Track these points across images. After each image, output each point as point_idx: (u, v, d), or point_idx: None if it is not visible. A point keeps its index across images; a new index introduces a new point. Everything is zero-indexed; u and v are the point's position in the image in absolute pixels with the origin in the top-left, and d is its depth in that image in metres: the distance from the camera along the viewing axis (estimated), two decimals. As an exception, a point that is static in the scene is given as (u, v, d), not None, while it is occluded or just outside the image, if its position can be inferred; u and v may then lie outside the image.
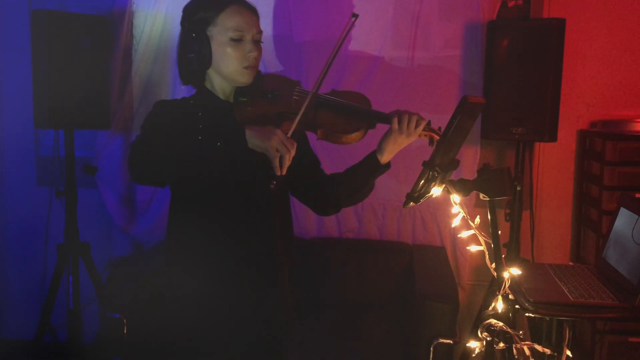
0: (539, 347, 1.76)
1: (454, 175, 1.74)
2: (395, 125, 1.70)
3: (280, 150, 1.51)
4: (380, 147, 1.75)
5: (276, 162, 1.51)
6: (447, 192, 1.69)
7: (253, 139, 1.52)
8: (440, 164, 1.60)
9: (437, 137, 1.72)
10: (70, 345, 2.99)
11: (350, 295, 3.14)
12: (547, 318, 1.97)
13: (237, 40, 1.67)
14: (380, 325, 2.91)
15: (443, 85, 3.19)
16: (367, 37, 3.19)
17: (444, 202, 1.77)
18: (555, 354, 1.90)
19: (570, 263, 2.53)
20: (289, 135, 1.56)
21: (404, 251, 3.21)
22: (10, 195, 3.60)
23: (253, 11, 1.73)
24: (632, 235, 1.97)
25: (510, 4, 3.17)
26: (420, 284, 2.82)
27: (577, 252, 3.22)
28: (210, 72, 1.73)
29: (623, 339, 2.81)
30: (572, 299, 1.85)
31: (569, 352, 1.91)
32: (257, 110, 1.71)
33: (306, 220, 3.36)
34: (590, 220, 3.06)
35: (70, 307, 2.95)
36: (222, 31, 1.67)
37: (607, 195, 2.83)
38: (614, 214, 2.16)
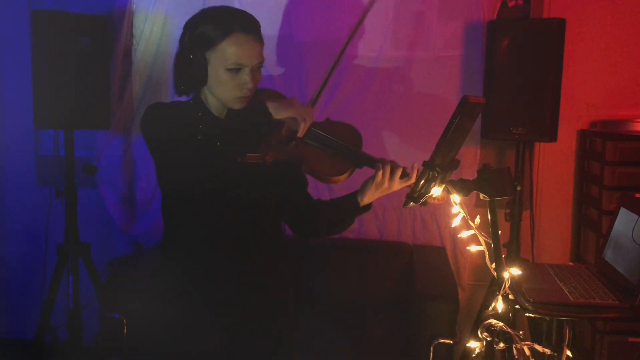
0: (539, 347, 1.76)
1: (454, 175, 1.74)
2: (379, 177, 1.72)
3: (303, 114, 1.63)
4: (362, 190, 1.78)
5: (302, 125, 1.63)
6: (447, 192, 1.69)
7: (280, 109, 1.62)
8: (440, 164, 1.60)
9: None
10: (70, 345, 2.99)
11: (350, 295, 3.14)
12: (547, 318, 1.97)
13: (235, 70, 1.63)
14: (380, 325, 2.91)
15: (443, 86, 3.19)
16: (367, 37, 3.19)
17: (444, 202, 1.77)
18: (555, 354, 1.90)
19: (570, 263, 2.53)
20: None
21: (404, 251, 3.21)
22: (10, 195, 3.60)
23: (257, 39, 1.66)
24: (632, 235, 1.97)
25: (510, 4, 3.17)
26: (420, 284, 2.82)
27: (577, 252, 3.22)
28: (205, 89, 1.70)
29: (623, 339, 2.81)
30: (572, 299, 1.84)
31: (569, 352, 1.91)
32: (244, 135, 1.66)
33: (306, 220, 3.36)
34: (590, 220, 3.06)
35: (70, 307, 2.95)
36: (221, 58, 1.62)
37: (607, 195, 2.83)
38: (614, 214, 2.16)
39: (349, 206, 1.80)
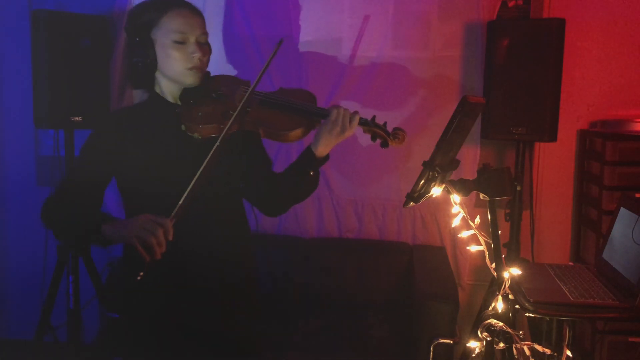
0: (539, 347, 1.76)
1: (454, 175, 1.74)
2: (332, 117, 1.70)
3: (140, 235, 1.47)
4: (315, 139, 1.75)
5: (139, 249, 1.47)
6: (447, 192, 1.69)
7: (111, 235, 1.56)
8: (440, 164, 1.60)
9: (380, 133, 1.76)
10: (70, 345, 2.99)
11: (350, 295, 3.14)
12: (547, 318, 1.97)
13: (180, 43, 1.69)
14: (380, 325, 2.91)
15: (443, 86, 3.19)
16: (367, 37, 3.20)
17: (444, 202, 1.77)
18: (555, 354, 1.90)
19: (570, 263, 2.53)
20: (223, 131, 1.58)
21: (404, 251, 3.21)
22: (10, 195, 3.59)
23: (197, 13, 1.74)
24: (632, 235, 1.97)
25: (510, 4, 3.17)
26: (420, 284, 2.82)
27: (577, 252, 3.22)
28: (158, 75, 1.75)
29: (623, 339, 2.81)
30: (572, 299, 1.85)
31: (569, 352, 1.91)
32: (202, 110, 1.71)
33: (306, 220, 3.36)
34: (590, 220, 3.06)
35: (70, 307, 2.95)
36: (165, 34, 1.68)
37: (607, 195, 2.83)
38: (614, 214, 2.16)
39: (305, 160, 1.75)
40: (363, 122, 1.76)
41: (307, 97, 1.82)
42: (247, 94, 1.65)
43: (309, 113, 1.76)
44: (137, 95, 3.36)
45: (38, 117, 2.79)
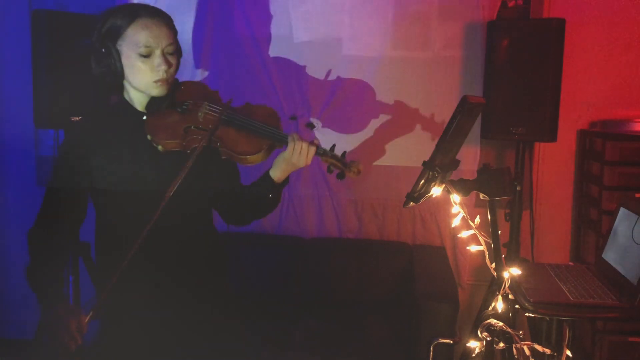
0: (539, 347, 1.76)
1: (454, 175, 1.74)
2: (290, 150, 1.71)
3: (57, 339, 1.62)
4: (274, 166, 1.77)
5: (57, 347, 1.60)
6: (447, 192, 1.69)
7: (42, 315, 1.62)
8: (440, 164, 1.60)
9: (337, 164, 1.73)
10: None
11: (350, 295, 3.14)
12: (547, 318, 1.97)
13: (145, 56, 1.67)
14: (380, 325, 2.91)
15: (443, 86, 3.19)
16: (367, 37, 3.20)
17: (444, 202, 1.77)
18: (555, 354, 1.90)
19: (570, 263, 2.53)
20: (193, 156, 1.65)
21: (404, 251, 3.21)
22: (10, 195, 3.59)
23: (163, 22, 1.71)
24: (632, 235, 1.97)
25: (510, 4, 3.17)
26: (420, 284, 2.82)
27: (577, 252, 3.22)
28: (126, 83, 1.75)
29: (623, 339, 2.81)
30: (572, 299, 1.85)
31: (569, 352, 1.91)
32: (165, 123, 1.72)
33: (306, 220, 3.36)
34: (590, 220, 3.06)
35: (70, 307, 2.94)
36: (130, 46, 1.67)
37: (607, 195, 2.83)
38: (614, 214, 2.16)
39: (266, 186, 1.78)
40: (321, 153, 1.73)
41: (272, 118, 1.80)
42: (210, 131, 1.69)
43: (271, 137, 1.74)
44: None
45: (38, 117, 2.79)
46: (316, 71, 3.23)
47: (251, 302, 2.96)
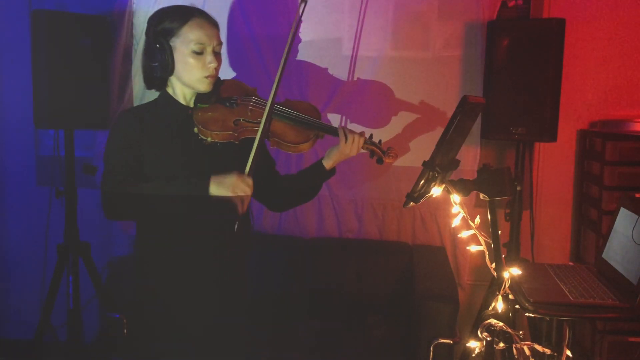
0: (539, 347, 1.76)
1: (454, 175, 1.74)
2: (343, 142, 1.89)
3: (240, 193, 1.72)
4: (328, 157, 1.95)
5: (239, 206, 1.72)
6: (447, 192, 1.69)
7: (217, 190, 1.72)
8: (440, 164, 1.60)
9: (377, 150, 1.94)
10: (70, 345, 2.99)
11: (350, 295, 3.14)
12: (547, 318, 1.97)
13: (198, 53, 1.79)
14: (380, 325, 2.91)
15: (443, 86, 3.19)
16: (367, 37, 3.20)
17: (444, 202, 1.77)
18: (555, 354, 1.90)
19: (570, 263, 2.53)
20: (253, 148, 1.75)
21: (404, 251, 3.21)
22: (10, 195, 3.60)
23: (214, 24, 1.84)
24: (632, 235, 1.97)
25: (510, 4, 3.17)
26: (420, 284, 2.82)
27: (577, 252, 3.22)
28: (172, 78, 1.84)
29: (623, 339, 2.81)
30: (572, 299, 1.84)
31: (569, 352, 1.91)
32: (215, 116, 1.85)
33: (306, 220, 3.36)
34: (590, 220, 3.06)
35: (70, 307, 2.95)
36: (184, 43, 1.78)
37: (607, 195, 2.83)
38: (614, 214, 2.16)
39: (316, 173, 1.96)
40: (368, 142, 1.94)
41: (313, 111, 1.97)
42: (265, 114, 1.77)
43: (317, 128, 1.92)
44: (138, 96, 3.36)
45: (38, 117, 2.79)
46: (316, 71, 3.23)
47: (251, 302, 2.96)
